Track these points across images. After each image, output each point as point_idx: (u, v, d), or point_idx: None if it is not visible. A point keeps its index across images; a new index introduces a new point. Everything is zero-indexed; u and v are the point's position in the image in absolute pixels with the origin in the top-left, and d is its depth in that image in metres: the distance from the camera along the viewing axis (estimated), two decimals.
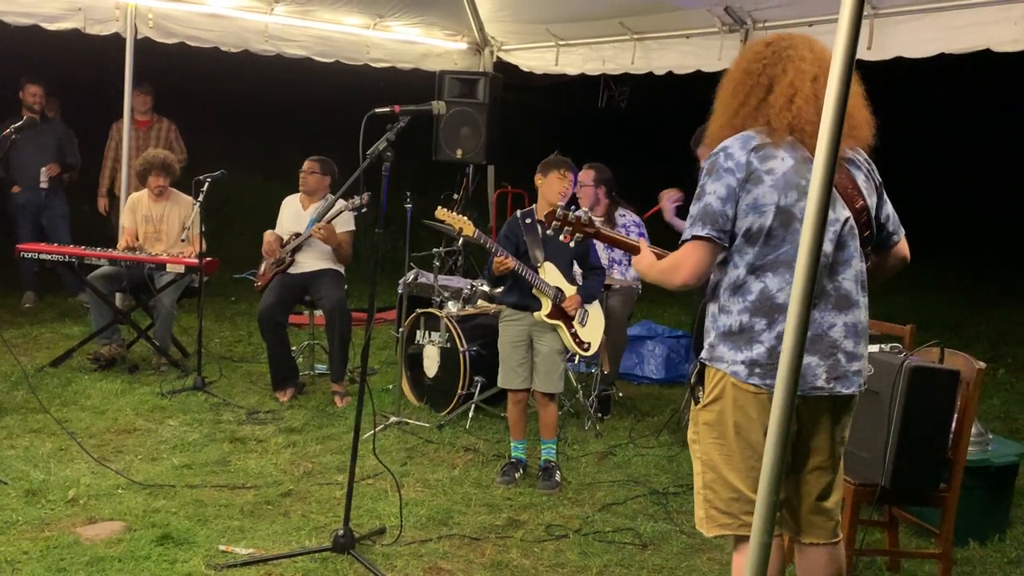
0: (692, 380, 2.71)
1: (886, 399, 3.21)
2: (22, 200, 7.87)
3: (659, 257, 2.83)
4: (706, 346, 2.65)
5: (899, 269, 2.83)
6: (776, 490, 2.11)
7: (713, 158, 2.58)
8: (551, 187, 4.67)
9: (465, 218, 4.76)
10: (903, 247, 2.80)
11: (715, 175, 2.54)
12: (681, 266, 2.59)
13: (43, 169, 7.78)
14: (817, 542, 2.75)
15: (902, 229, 2.79)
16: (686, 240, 2.57)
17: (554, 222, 2.95)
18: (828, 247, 2.53)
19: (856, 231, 2.59)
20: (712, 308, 2.65)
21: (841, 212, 2.57)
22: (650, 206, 6.23)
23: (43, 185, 7.82)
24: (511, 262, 4.56)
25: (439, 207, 4.83)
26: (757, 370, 2.52)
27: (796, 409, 2.56)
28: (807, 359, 2.52)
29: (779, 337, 2.50)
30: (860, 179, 2.63)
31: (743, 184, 2.51)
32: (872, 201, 2.64)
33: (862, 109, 2.61)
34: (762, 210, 2.49)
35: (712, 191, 2.54)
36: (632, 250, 2.93)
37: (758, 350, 2.52)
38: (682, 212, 6.14)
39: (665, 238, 2.95)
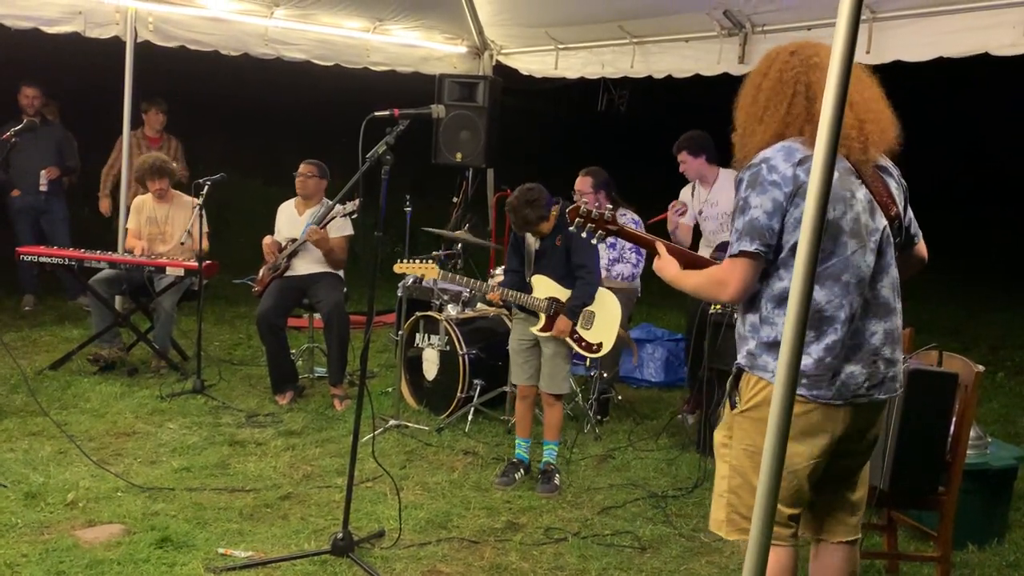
0: (728, 385, 2.69)
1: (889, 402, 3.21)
2: (22, 203, 7.88)
3: (678, 256, 2.79)
4: (744, 353, 2.63)
5: (918, 270, 2.84)
6: (775, 490, 2.11)
7: (755, 170, 2.53)
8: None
9: (429, 263, 4.83)
10: (922, 248, 2.81)
11: (759, 188, 2.50)
12: (729, 282, 2.55)
13: (42, 172, 7.79)
14: (839, 540, 2.77)
15: (920, 231, 2.80)
16: (733, 255, 2.53)
17: (577, 219, 2.92)
18: (870, 257, 2.54)
19: (891, 239, 2.61)
20: (751, 318, 2.61)
21: (880, 221, 2.57)
22: (648, 208, 6.23)
23: (42, 188, 7.82)
24: (498, 295, 4.69)
25: (398, 261, 4.85)
26: (804, 381, 2.49)
27: (840, 417, 2.56)
28: (851, 368, 2.53)
29: (827, 349, 2.50)
30: (892, 186, 2.64)
31: (791, 198, 2.47)
32: (902, 208, 2.66)
33: (885, 110, 2.61)
34: None
35: (758, 205, 2.49)
36: (650, 246, 2.87)
37: (805, 361, 2.47)
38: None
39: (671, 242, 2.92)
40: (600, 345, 4.75)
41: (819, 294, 2.50)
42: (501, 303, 4.71)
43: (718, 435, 2.74)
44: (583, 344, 4.72)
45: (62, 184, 8.05)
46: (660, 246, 2.82)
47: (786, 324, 2.06)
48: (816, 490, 2.70)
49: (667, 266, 2.78)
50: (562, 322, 4.63)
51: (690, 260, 2.78)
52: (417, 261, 4.89)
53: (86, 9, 6.68)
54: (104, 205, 8.01)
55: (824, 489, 2.73)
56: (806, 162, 2.47)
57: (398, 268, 4.85)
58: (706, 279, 2.68)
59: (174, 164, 6.61)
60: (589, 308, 4.72)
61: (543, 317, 4.66)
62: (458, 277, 4.94)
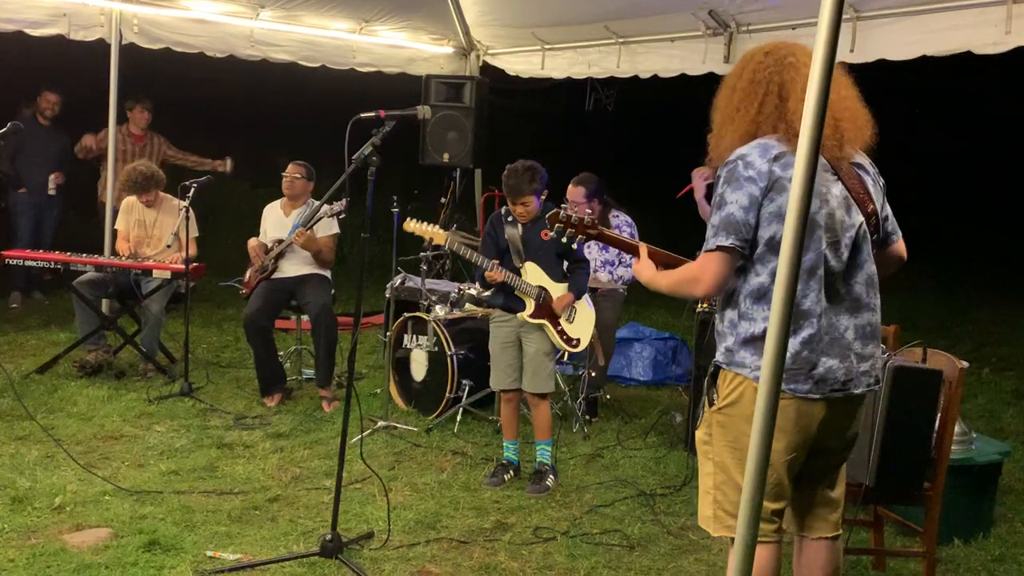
0: (706, 383, 2.71)
1: (870, 399, 3.23)
2: (25, 203, 8.00)
3: (659, 258, 2.81)
4: (722, 350, 2.65)
5: (896, 269, 2.86)
6: (761, 487, 2.12)
7: (731, 167, 2.56)
8: (514, 212, 4.70)
9: (436, 228, 4.78)
10: (900, 247, 2.84)
11: (735, 184, 2.53)
12: (702, 278, 2.57)
13: (51, 177, 8.00)
14: (820, 536, 2.79)
15: (899, 231, 2.82)
16: (709, 250, 2.55)
17: (556, 224, 2.95)
18: (844, 252, 2.56)
19: (868, 235, 2.63)
20: (730, 315, 2.63)
21: (856, 217, 2.60)
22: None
23: (51, 192, 8.06)
24: (500, 274, 4.59)
25: (408, 219, 4.83)
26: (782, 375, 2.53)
27: (816, 412, 2.58)
28: (828, 362, 2.55)
29: (803, 343, 2.52)
30: (868, 183, 2.66)
31: (766, 192, 2.50)
32: (879, 204, 2.68)
33: (860, 109, 2.64)
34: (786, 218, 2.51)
35: (734, 200, 2.52)
36: (632, 251, 2.91)
37: None
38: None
39: (661, 241, 2.93)
40: (578, 341, 4.82)
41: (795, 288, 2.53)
42: (498, 283, 4.66)
43: (699, 433, 2.76)
44: (564, 337, 4.74)
45: (60, 188, 8.19)
46: (642, 249, 2.87)
47: (770, 321, 2.08)
48: (796, 487, 2.72)
49: (644, 269, 2.82)
50: (567, 297, 4.71)
51: (670, 263, 2.81)
52: (426, 224, 4.84)
53: (71, 11, 6.66)
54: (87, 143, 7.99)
55: (804, 486, 2.75)
56: (782, 158, 2.51)
57: (407, 227, 4.82)
58: (680, 276, 2.71)
59: (160, 172, 6.58)
60: (574, 304, 4.79)
61: (531, 304, 4.67)
62: (464, 247, 4.85)
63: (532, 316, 4.67)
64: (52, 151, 8.06)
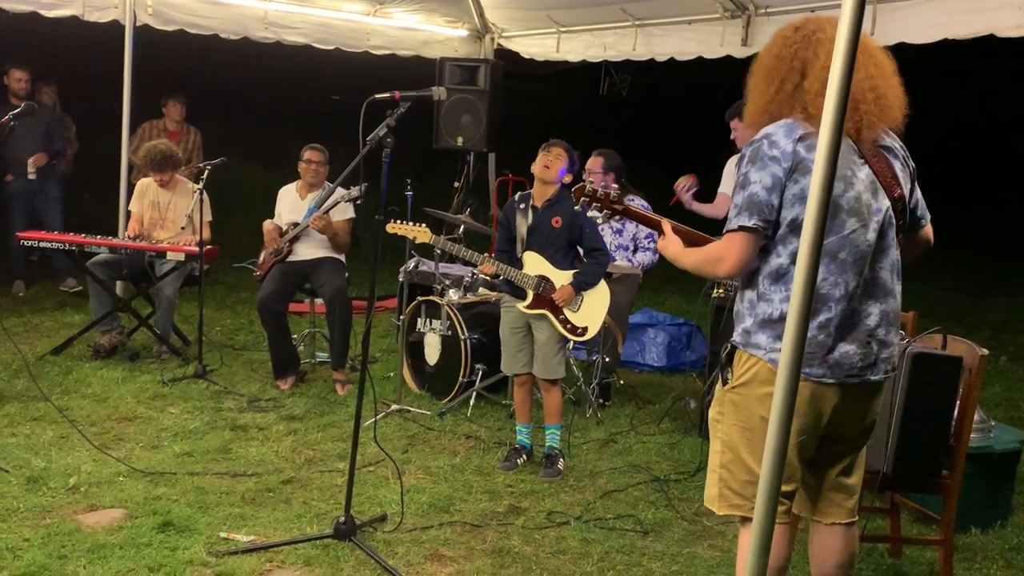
0: (721, 362, 2.70)
1: (888, 385, 3.20)
2: (15, 187, 7.85)
3: (683, 235, 2.80)
4: (740, 331, 2.63)
5: (921, 252, 2.83)
6: (779, 472, 2.10)
7: (756, 145, 2.53)
8: (535, 166, 4.65)
9: (420, 227, 4.78)
10: (928, 231, 2.80)
11: (759, 164, 2.50)
12: (726, 257, 2.55)
13: (29, 160, 7.73)
14: (834, 522, 2.77)
15: (928, 214, 2.78)
16: (731, 230, 2.53)
17: (583, 198, 2.92)
18: (871, 235, 2.53)
19: (894, 220, 2.59)
20: (749, 295, 2.62)
21: (883, 201, 2.56)
22: (655, 191, 6.20)
23: (31, 175, 7.79)
24: (491, 267, 4.62)
25: (390, 221, 4.83)
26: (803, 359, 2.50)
27: (829, 396, 2.56)
28: (845, 347, 2.53)
29: (820, 327, 2.50)
30: (897, 167, 2.62)
31: (790, 173, 2.47)
32: (907, 189, 2.64)
33: (893, 87, 2.58)
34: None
35: (757, 180, 2.49)
36: (656, 226, 2.89)
37: None
38: (699, 195, 6.04)
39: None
40: (585, 329, 4.70)
41: None
42: (493, 275, 4.68)
43: (712, 411, 2.76)
44: (568, 326, 4.66)
45: (53, 167, 7.98)
46: (666, 225, 2.84)
47: (791, 306, 2.05)
48: (810, 472, 2.71)
49: (670, 244, 2.81)
50: (566, 290, 4.60)
51: (694, 240, 2.79)
52: (411, 224, 4.86)
53: None
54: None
55: (818, 471, 2.73)
56: (807, 138, 2.48)
57: (391, 228, 4.84)
58: (704, 255, 2.69)
59: (180, 153, 6.58)
60: (581, 293, 4.70)
61: (531, 294, 4.63)
62: (452, 244, 4.89)
63: (529, 307, 4.63)
64: (34, 133, 7.61)
